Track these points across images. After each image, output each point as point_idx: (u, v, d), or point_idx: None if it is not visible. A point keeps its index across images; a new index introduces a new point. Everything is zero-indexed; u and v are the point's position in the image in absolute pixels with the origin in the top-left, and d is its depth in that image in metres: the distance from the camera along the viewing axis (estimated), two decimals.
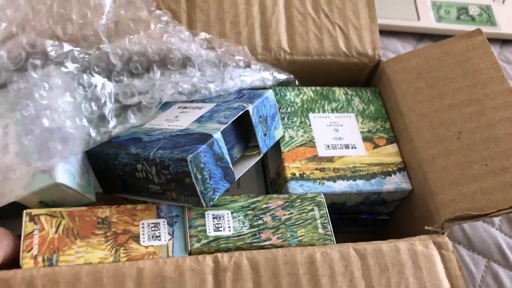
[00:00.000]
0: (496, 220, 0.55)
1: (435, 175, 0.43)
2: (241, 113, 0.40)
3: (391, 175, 0.45)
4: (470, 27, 0.69)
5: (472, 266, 0.52)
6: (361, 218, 0.48)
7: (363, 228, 0.50)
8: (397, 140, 0.48)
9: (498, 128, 0.42)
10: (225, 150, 0.38)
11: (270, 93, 0.43)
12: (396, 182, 0.45)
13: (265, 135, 0.43)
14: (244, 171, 0.41)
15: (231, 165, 0.39)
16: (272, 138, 0.44)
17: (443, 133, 0.44)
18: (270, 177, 0.47)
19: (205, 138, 0.38)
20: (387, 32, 0.67)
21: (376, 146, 0.47)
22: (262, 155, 0.42)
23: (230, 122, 0.39)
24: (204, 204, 0.37)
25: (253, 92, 0.44)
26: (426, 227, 0.41)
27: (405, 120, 0.46)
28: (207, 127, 0.39)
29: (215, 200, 0.38)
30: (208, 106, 0.43)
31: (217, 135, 0.38)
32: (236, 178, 0.40)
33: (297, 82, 0.49)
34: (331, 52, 0.49)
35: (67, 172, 0.38)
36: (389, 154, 0.47)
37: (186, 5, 0.47)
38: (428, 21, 0.69)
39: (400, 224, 0.48)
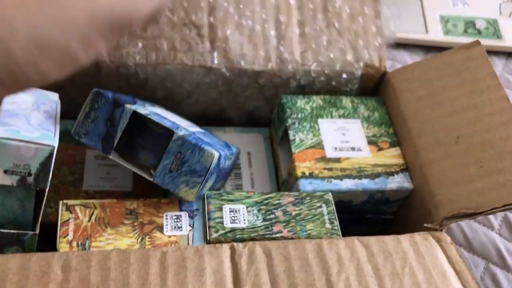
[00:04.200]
0: (496, 224, 0.59)
1: (435, 177, 0.46)
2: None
3: (394, 175, 0.49)
4: None
5: (472, 267, 0.55)
6: (367, 218, 0.52)
7: (368, 228, 0.54)
8: (400, 144, 0.51)
9: (494, 133, 0.46)
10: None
11: (212, 155, 0.41)
12: (398, 182, 0.49)
13: (170, 171, 0.41)
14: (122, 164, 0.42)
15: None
16: (173, 185, 0.41)
17: (443, 137, 0.48)
18: (282, 178, 0.51)
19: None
20: (396, 45, 0.71)
21: (380, 149, 0.51)
22: (151, 179, 0.41)
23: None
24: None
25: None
26: (425, 225, 0.44)
27: (408, 125, 0.50)
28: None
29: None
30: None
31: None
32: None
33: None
34: (341, 65, 0.53)
35: (5, 130, 0.38)
36: (392, 156, 0.50)
37: (208, 20, 0.52)
38: (436, 34, 0.73)
39: (403, 224, 0.51)
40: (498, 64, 0.75)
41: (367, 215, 0.52)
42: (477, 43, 0.51)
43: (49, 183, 0.40)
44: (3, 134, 0.38)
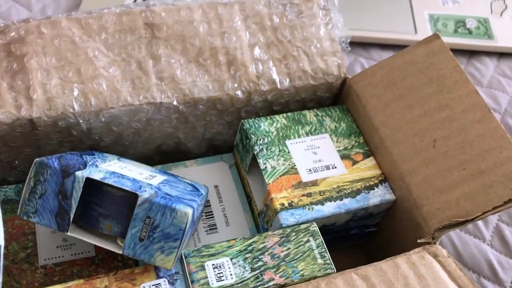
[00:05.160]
0: (487, 235, 0.57)
1: (418, 186, 0.44)
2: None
3: (374, 189, 0.46)
4: (468, 40, 0.71)
5: None
6: (350, 234, 0.49)
7: (352, 242, 0.51)
8: (373, 153, 0.49)
9: (470, 131, 0.44)
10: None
11: (186, 214, 0.36)
12: (380, 195, 0.46)
13: (140, 240, 0.36)
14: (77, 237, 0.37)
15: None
16: (147, 255, 0.36)
17: (419, 143, 0.45)
18: (257, 209, 0.47)
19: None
20: (384, 46, 0.67)
21: (354, 162, 0.48)
22: (120, 252, 0.37)
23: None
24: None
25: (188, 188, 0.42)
26: (418, 240, 0.42)
27: (380, 134, 0.47)
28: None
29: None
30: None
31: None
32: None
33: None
34: (299, 76, 0.49)
35: None
36: (368, 168, 0.48)
37: (147, 48, 0.46)
38: (425, 34, 0.69)
39: (387, 235, 0.49)
40: (490, 65, 0.71)
41: (351, 231, 0.49)
42: (436, 36, 0.48)
43: (0, 284, 0.34)
44: None
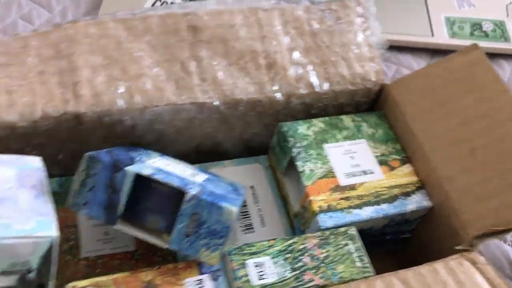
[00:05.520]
0: (509, 236, 0.57)
1: (457, 194, 0.44)
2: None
3: (410, 195, 0.47)
4: (484, 43, 0.71)
5: None
6: (385, 239, 0.50)
7: (386, 248, 0.51)
8: (411, 160, 0.49)
9: (509, 141, 0.44)
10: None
11: (231, 212, 0.37)
12: (417, 201, 0.46)
13: (187, 235, 0.37)
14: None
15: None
16: (193, 250, 0.37)
17: (458, 151, 0.46)
18: (293, 211, 0.48)
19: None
20: (401, 48, 0.67)
21: (392, 168, 0.48)
22: (166, 246, 0.38)
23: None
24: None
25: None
26: (456, 247, 0.42)
27: (419, 140, 0.48)
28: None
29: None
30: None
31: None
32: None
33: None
34: (338, 81, 0.50)
35: None
36: (405, 174, 0.48)
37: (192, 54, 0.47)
38: (442, 37, 0.70)
39: (424, 242, 0.49)
40: (507, 68, 0.71)
41: (386, 237, 0.49)
42: (475, 46, 0.49)
43: (52, 275, 0.35)
44: None
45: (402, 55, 0.67)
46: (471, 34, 0.71)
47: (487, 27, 0.72)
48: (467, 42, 0.70)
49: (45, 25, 0.45)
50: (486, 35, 0.72)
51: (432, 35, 0.70)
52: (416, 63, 0.68)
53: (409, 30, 0.69)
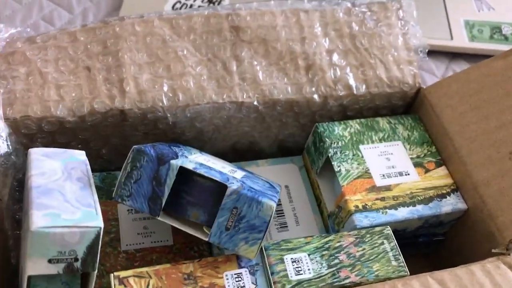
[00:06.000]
0: None
1: (493, 197, 0.45)
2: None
3: (446, 197, 0.47)
4: (504, 46, 0.71)
5: None
6: (418, 242, 0.50)
7: (418, 250, 0.52)
8: (446, 163, 0.49)
9: None
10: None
11: (271, 208, 0.38)
12: (452, 203, 0.47)
13: (226, 229, 0.38)
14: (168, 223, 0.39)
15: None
16: (231, 243, 0.38)
17: (495, 154, 0.46)
18: (327, 211, 0.49)
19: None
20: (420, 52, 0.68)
21: (427, 170, 0.49)
22: (206, 239, 0.39)
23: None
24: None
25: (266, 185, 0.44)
26: (493, 250, 0.43)
27: (455, 144, 0.48)
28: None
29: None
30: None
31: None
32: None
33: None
34: (375, 83, 0.50)
35: (44, 216, 0.34)
36: (440, 177, 0.48)
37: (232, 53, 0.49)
38: (461, 41, 0.70)
39: (457, 245, 0.49)
40: None
41: (419, 239, 0.50)
42: None
43: (97, 265, 0.36)
44: (44, 223, 0.34)
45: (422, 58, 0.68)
46: (491, 37, 0.71)
47: (507, 30, 0.72)
48: (487, 46, 0.71)
49: (90, 22, 0.46)
50: (506, 38, 0.71)
51: (451, 38, 0.71)
52: (435, 66, 0.68)
53: (429, 34, 0.69)
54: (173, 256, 0.46)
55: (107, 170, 0.49)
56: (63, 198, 0.37)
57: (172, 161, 0.38)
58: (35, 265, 0.34)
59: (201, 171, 0.39)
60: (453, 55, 0.71)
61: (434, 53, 0.69)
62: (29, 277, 0.35)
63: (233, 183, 0.39)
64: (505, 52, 0.49)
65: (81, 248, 0.35)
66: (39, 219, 0.34)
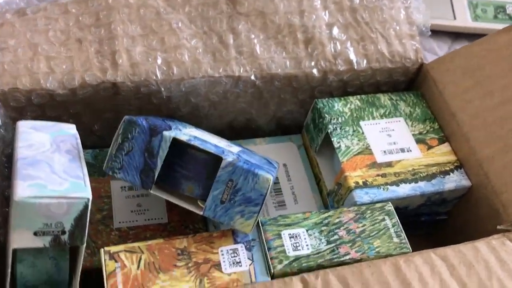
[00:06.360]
0: None
1: (497, 173, 0.43)
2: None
3: (449, 174, 0.46)
4: None
5: None
6: (420, 221, 0.49)
7: (420, 230, 0.50)
8: (449, 139, 0.48)
9: None
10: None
11: (267, 180, 0.37)
12: (455, 180, 0.45)
13: (221, 202, 0.37)
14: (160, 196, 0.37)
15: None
16: (227, 217, 0.37)
17: (498, 130, 0.44)
18: (326, 189, 0.47)
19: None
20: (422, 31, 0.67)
21: (430, 147, 0.47)
22: (201, 213, 0.37)
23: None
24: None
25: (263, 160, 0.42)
26: (498, 227, 0.41)
27: (458, 120, 0.47)
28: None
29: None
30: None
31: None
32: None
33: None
34: (377, 58, 0.49)
35: (30, 186, 0.33)
36: (443, 153, 0.47)
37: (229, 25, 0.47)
38: (465, 20, 0.69)
39: (460, 224, 0.48)
40: None
41: (421, 218, 0.48)
42: None
43: (85, 239, 0.35)
44: (29, 193, 0.32)
45: (424, 38, 0.67)
46: (495, 17, 0.69)
47: (511, 10, 0.70)
48: (490, 25, 0.69)
49: None
50: (510, 18, 0.70)
51: (455, 18, 0.69)
52: (437, 46, 0.67)
53: (431, 13, 0.67)
54: (168, 234, 0.44)
55: (99, 147, 0.48)
56: (50, 169, 0.35)
57: (165, 132, 0.37)
58: (20, 238, 0.33)
59: (196, 143, 0.37)
60: (456, 35, 0.69)
61: (436, 33, 0.67)
62: (15, 251, 0.34)
63: (228, 155, 0.37)
64: (509, 26, 0.48)
65: (69, 220, 0.34)
66: (24, 189, 0.32)
